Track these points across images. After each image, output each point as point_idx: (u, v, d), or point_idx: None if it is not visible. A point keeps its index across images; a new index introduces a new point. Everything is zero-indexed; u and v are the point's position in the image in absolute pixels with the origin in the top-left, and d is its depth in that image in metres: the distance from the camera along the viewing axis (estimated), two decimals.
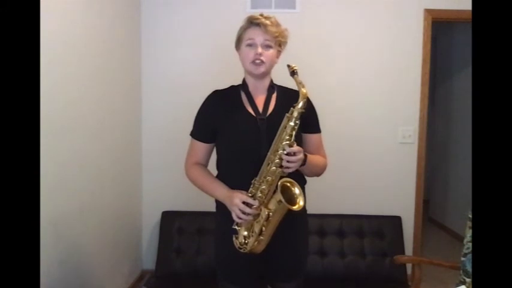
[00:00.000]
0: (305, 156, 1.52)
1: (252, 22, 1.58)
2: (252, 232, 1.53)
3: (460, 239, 2.35)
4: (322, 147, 1.73)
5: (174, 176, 2.96)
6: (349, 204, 3.08)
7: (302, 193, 1.52)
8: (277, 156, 1.47)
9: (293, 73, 1.50)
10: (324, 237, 2.90)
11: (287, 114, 1.48)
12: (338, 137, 2.95)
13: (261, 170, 1.50)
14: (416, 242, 3.16)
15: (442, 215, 4.62)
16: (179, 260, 2.86)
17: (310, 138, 1.68)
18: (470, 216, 1.97)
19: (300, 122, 1.49)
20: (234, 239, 1.57)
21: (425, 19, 3.04)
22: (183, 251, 2.88)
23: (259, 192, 1.50)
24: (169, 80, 3.12)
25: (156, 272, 2.89)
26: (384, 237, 2.91)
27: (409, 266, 2.77)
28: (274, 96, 1.65)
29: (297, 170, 1.52)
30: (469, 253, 2.00)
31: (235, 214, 1.51)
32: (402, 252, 2.90)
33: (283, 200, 1.44)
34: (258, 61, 1.56)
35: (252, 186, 1.52)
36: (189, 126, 1.69)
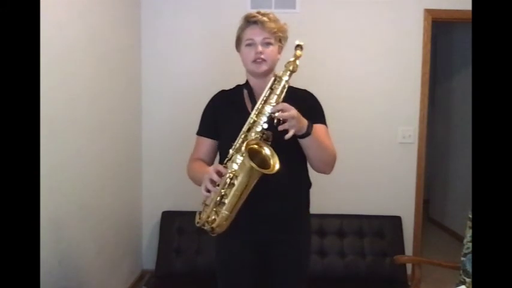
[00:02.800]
0: (309, 124, 1.41)
1: (249, 21, 1.55)
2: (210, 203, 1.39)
3: (460, 239, 2.35)
4: (328, 138, 1.59)
5: (174, 176, 2.97)
6: (349, 204, 3.08)
7: (275, 153, 1.36)
8: (262, 119, 1.37)
9: (297, 47, 1.44)
10: (324, 237, 2.90)
11: (274, 73, 1.44)
12: (338, 137, 2.92)
13: (239, 134, 1.41)
14: (416, 242, 3.16)
15: (442, 215, 4.62)
16: (179, 260, 2.86)
17: (314, 127, 1.52)
18: (470, 216, 1.97)
19: (304, 115, 1.42)
20: (196, 214, 1.48)
21: (425, 19, 3.04)
22: (183, 251, 2.88)
23: (234, 161, 1.38)
24: (169, 80, 3.12)
25: (156, 272, 2.89)
26: (384, 237, 2.91)
27: (409, 266, 2.77)
28: None
29: (301, 156, 1.45)
30: (469, 253, 2.00)
31: (204, 185, 1.38)
32: (402, 252, 2.90)
33: (252, 163, 1.28)
34: (259, 60, 1.53)
35: (229, 155, 1.42)
36: (190, 126, 1.69)
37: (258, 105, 1.43)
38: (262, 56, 1.53)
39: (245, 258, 1.57)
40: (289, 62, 1.44)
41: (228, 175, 1.35)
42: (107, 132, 2.60)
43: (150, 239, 3.20)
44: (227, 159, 1.42)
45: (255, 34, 1.54)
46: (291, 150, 1.47)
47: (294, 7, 3.03)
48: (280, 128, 1.35)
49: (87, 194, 2.35)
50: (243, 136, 1.42)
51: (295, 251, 1.65)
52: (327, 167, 1.57)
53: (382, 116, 3.10)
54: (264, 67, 1.55)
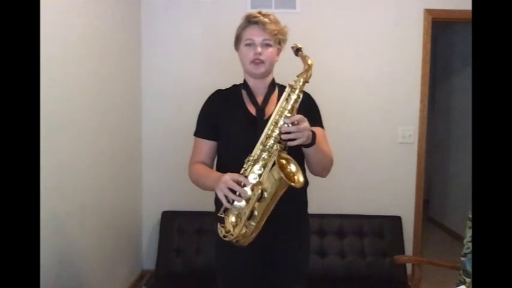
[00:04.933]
0: (313, 133, 1.42)
1: (250, 21, 1.55)
2: (242, 221, 1.37)
3: (460, 239, 2.35)
4: (326, 142, 1.61)
5: (174, 176, 2.97)
6: (349, 204, 3.08)
7: (300, 169, 1.40)
8: (277, 130, 1.38)
9: (297, 51, 1.45)
10: (324, 237, 2.90)
11: (289, 83, 1.43)
12: (338, 137, 2.92)
13: (257, 145, 1.41)
14: (416, 242, 3.16)
15: (442, 215, 4.62)
16: (179, 260, 2.86)
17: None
18: (470, 216, 1.97)
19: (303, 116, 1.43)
20: (219, 226, 1.43)
21: (425, 19, 3.04)
22: (183, 251, 2.88)
23: (253, 171, 1.39)
24: (169, 79, 3.12)
25: (156, 272, 2.89)
26: (383, 237, 2.91)
27: (409, 266, 2.77)
28: (275, 94, 1.62)
29: (299, 156, 1.46)
30: (469, 253, 2.00)
31: (222, 194, 1.36)
32: (402, 252, 2.90)
33: (282, 175, 1.30)
34: (257, 61, 1.53)
35: (245, 164, 1.41)
36: (190, 126, 1.69)
37: (275, 115, 1.42)
38: (260, 58, 1.53)
39: (245, 258, 1.56)
40: (302, 73, 1.43)
41: (258, 189, 1.35)
42: (107, 132, 2.60)
43: (150, 239, 3.20)
44: (243, 169, 1.40)
45: (255, 34, 1.54)
46: (290, 151, 1.47)
47: (294, 7, 3.03)
48: (285, 137, 1.36)
49: (87, 194, 2.35)
50: (261, 147, 1.41)
51: (294, 250, 1.65)
52: (324, 171, 1.60)
53: (382, 116, 3.10)
54: (261, 69, 1.56)
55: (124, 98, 2.86)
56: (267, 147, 1.40)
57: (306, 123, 1.38)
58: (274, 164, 1.35)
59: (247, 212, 1.35)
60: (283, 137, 1.36)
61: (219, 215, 1.42)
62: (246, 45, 1.55)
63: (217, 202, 1.59)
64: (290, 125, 1.36)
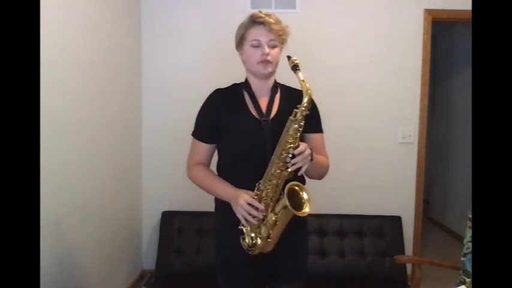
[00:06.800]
0: (312, 152, 1.48)
1: (255, 21, 1.53)
2: (260, 234, 1.51)
3: (460, 239, 2.35)
4: (324, 147, 1.68)
5: (174, 176, 2.96)
6: (349, 204, 3.08)
7: (310, 198, 1.49)
8: (282, 160, 1.44)
9: (295, 68, 1.46)
10: (324, 237, 2.90)
11: (291, 118, 1.45)
12: (338, 137, 2.95)
13: (266, 172, 1.47)
14: (416, 242, 3.16)
15: (442, 215, 4.62)
16: (179, 260, 2.86)
17: (312, 138, 1.62)
18: (470, 216, 1.97)
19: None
20: (241, 240, 1.53)
21: (425, 19, 3.04)
22: (183, 251, 2.88)
23: (264, 194, 1.48)
24: (169, 79, 3.13)
25: (156, 272, 2.89)
26: (384, 237, 2.91)
27: (409, 266, 2.77)
28: (277, 96, 1.62)
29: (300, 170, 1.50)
30: (469, 253, 2.00)
31: (241, 216, 1.48)
32: (402, 252, 2.90)
33: (288, 205, 1.43)
34: (266, 61, 1.53)
35: (256, 188, 1.49)
36: (190, 126, 1.68)
37: (279, 148, 1.45)
38: (268, 58, 1.53)
39: (245, 256, 1.56)
40: (301, 105, 1.45)
41: (274, 218, 1.48)
42: (107, 133, 2.60)
43: (150, 239, 3.20)
44: (255, 192, 1.49)
45: (261, 35, 1.53)
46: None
47: (294, 7, 3.03)
48: (293, 168, 1.44)
49: (87, 194, 2.35)
50: (269, 176, 1.47)
51: (294, 249, 1.66)
52: (320, 177, 1.66)
53: (382, 116, 3.10)
54: (269, 69, 1.55)
55: (124, 98, 2.86)
56: (275, 174, 1.46)
57: (308, 150, 1.45)
58: (282, 192, 1.46)
59: (265, 234, 1.49)
60: (292, 168, 1.44)
61: (239, 227, 1.52)
62: (252, 45, 1.54)
63: (218, 200, 1.62)
64: (294, 153, 1.43)
